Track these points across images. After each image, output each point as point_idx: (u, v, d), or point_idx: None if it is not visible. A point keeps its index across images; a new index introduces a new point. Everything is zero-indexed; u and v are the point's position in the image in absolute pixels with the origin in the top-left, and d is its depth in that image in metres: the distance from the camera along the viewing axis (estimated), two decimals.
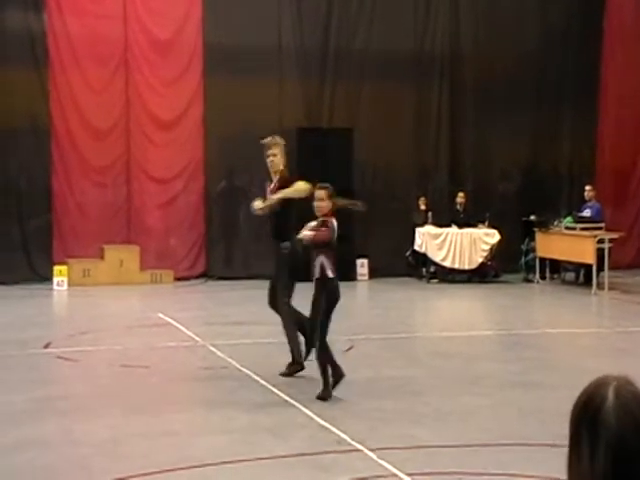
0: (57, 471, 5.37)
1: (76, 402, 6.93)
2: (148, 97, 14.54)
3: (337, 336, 7.77)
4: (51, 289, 13.39)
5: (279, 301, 7.57)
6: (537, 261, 14.43)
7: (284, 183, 7.65)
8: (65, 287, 13.50)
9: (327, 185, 6.97)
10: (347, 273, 14.45)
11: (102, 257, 14.15)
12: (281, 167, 7.80)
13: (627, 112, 16.19)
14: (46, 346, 9.08)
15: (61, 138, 14.22)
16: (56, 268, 13.63)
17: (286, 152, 7.93)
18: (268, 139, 7.88)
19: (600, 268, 13.03)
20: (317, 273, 6.79)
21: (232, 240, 14.94)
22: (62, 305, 12.95)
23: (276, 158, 7.75)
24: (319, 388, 6.92)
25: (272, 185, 7.79)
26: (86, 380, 7.72)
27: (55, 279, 13.53)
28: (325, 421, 6.23)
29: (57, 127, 14.17)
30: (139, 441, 5.87)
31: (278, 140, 7.87)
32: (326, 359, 6.82)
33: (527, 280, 14.64)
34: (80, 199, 14.33)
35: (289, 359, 7.62)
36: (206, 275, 14.79)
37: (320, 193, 6.89)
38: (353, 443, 5.70)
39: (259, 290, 13.53)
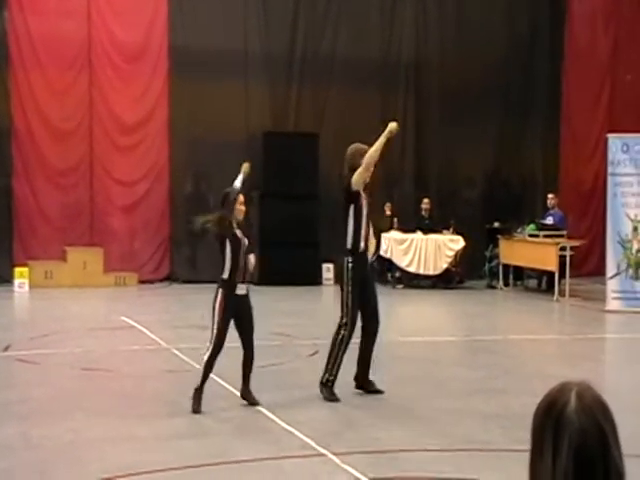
0: (15, 476, 5.27)
1: (36, 406, 6.83)
2: (112, 99, 14.41)
3: (302, 340, 7.76)
4: (12, 291, 13.19)
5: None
6: (501, 268, 14.57)
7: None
8: (26, 289, 13.30)
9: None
10: (313, 278, 14.49)
11: (64, 259, 13.97)
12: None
13: (589, 122, 16.44)
14: (6, 349, 8.94)
15: (22, 139, 14.02)
16: (17, 270, 13.43)
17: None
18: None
19: (562, 275, 13.19)
20: None
21: (197, 243, 14.84)
22: (23, 307, 12.76)
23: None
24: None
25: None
26: (46, 383, 7.60)
27: (16, 281, 13.34)
28: (289, 425, 6.22)
29: (18, 127, 13.97)
30: (100, 445, 5.79)
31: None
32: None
33: (491, 286, 14.78)
34: (42, 200, 14.14)
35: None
36: (170, 278, 14.69)
37: (242, 197, 6.85)
38: (317, 447, 5.69)
39: None
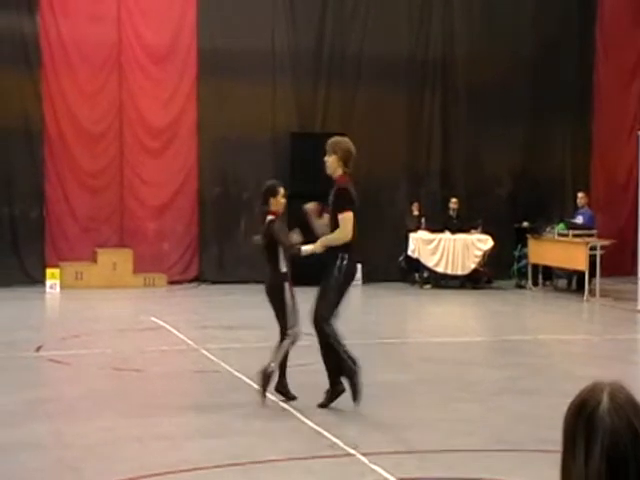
0: (48, 474, 5.35)
1: (67, 405, 6.92)
2: (141, 101, 14.54)
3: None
4: (44, 292, 13.36)
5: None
6: (529, 267, 14.47)
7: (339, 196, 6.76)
8: (58, 290, 13.47)
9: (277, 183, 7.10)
10: None
11: (95, 260, 14.12)
12: (338, 173, 6.78)
13: (621, 119, 16.26)
14: (38, 349, 9.06)
15: (53, 141, 14.20)
16: (49, 271, 13.60)
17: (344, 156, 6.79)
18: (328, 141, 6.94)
19: (592, 275, 13.07)
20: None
21: (225, 244, 14.94)
22: (54, 308, 12.92)
23: (329, 162, 6.80)
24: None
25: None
26: (77, 383, 7.70)
27: (48, 282, 13.50)
28: (318, 425, 6.24)
29: (49, 130, 14.15)
30: (130, 444, 5.86)
31: (336, 143, 6.84)
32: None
33: (519, 286, 14.68)
34: (72, 202, 14.31)
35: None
36: (199, 279, 14.78)
37: (283, 190, 6.99)
38: (345, 448, 5.71)
39: (252, 294, 13.61)
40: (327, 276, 6.77)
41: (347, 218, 6.68)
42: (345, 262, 6.73)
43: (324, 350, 6.76)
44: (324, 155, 6.95)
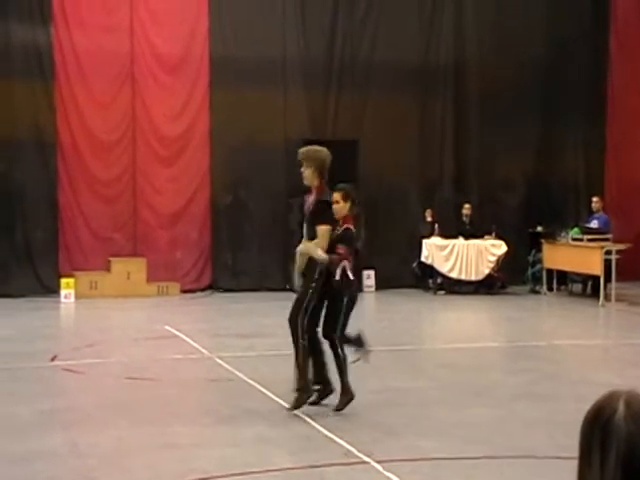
0: None
1: (82, 414, 6.93)
2: (154, 110, 14.60)
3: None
4: (58, 301, 13.41)
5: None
6: (544, 272, 14.39)
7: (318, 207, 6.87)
8: (72, 299, 13.52)
9: (344, 187, 6.90)
10: None
11: (109, 269, 14.18)
12: (315, 184, 6.90)
13: (634, 121, 16.17)
14: (53, 359, 9.09)
15: (67, 151, 14.28)
16: (63, 280, 13.66)
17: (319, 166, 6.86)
18: (300, 151, 7.08)
19: (607, 279, 12.98)
20: (338, 275, 6.77)
21: (238, 252, 14.95)
22: (69, 317, 12.97)
23: (306, 173, 6.89)
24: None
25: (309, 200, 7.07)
26: (92, 392, 7.72)
27: (62, 291, 13.56)
28: (332, 433, 6.22)
29: (63, 140, 14.23)
30: (145, 453, 5.86)
31: (311, 154, 6.96)
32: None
33: (534, 291, 14.61)
34: (86, 212, 14.38)
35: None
36: (212, 287, 14.80)
37: (335, 195, 6.84)
38: (360, 455, 5.68)
39: (265, 302, 13.63)
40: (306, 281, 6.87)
41: (326, 231, 6.75)
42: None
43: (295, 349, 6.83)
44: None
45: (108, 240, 14.41)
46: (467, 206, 14.92)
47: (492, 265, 14.32)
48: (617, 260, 13.01)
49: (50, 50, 14.10)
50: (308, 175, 6.89)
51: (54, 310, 12.98)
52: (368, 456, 5.64)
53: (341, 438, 6.07)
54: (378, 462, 5.51)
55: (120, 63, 14.42)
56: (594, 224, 14.01)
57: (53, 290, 13.73)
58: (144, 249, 14.55)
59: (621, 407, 1.51)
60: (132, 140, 14.55)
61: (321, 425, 6.44)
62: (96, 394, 7.61)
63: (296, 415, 6.74)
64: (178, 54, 14.65)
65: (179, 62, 14.68)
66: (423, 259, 14.44)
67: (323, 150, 6.99)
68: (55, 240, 14.21)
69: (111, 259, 14.20)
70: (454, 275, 14.31)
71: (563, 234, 13.97)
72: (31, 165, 14.00)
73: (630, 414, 1.50)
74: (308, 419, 6.63)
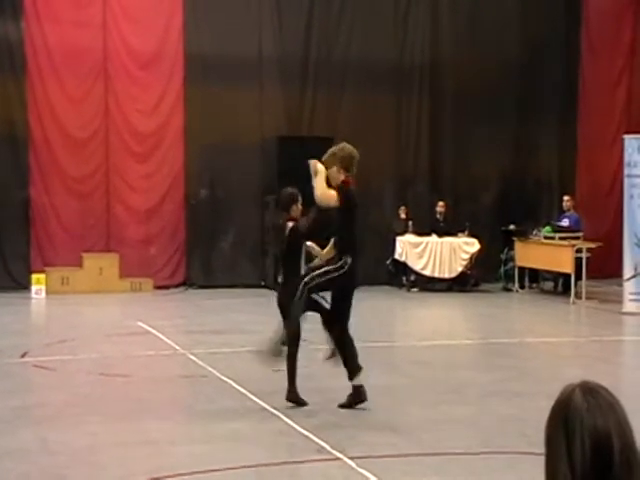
0: None
1: (53, 411, 6.87)
2: (128, 107, 14.48)
3: (317, 345, 7.76)
4: (29, 297, 13.28)
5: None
6: (516, 270, 14.51)
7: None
8: (43, 295, 13.39)
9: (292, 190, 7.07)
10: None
11: (81, 265, 14.06)
12: (340, 178, 6.79)
13: (606, 122, 16.34)
14: (23, 355, 9.00)
15: (39, 147, 14.12)
16: (34, 276, 13.52)
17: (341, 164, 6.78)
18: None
19: (578, 277, 13.12)
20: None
21: (212, 249, 14.90)
22: (40, 313, 12.84)
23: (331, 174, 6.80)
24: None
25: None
26: (63, 389, 7.65)
27: (33, 287, 13.43)
28: (305, 430, 6.22)
29: (35, 136, 14.07)
30: (117, 450, 5.83)
31: (331, 152, 6.88)
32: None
33: (506, 289, 14.72)
34: (58, 208, 14.24)
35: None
36: (186, 284, 14.74)
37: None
38: (333, 452, 5.70)
39: (239, 299, 13.60)
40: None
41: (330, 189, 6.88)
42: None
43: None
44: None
45: (80, 236, 14.27)
46: (441, 203, 15.00)
47: (465, 263, 14.41)
48: (588, 258, 13.15)
49: (21, 45, 13.92)
50: (332, 174, 6.80)
51: (25, 306, 12.85)
52: (341, 452, 5.65)
53: (314, 435, 6.08)
54: (351, 458, 5.53)
55: (93, 58, 14.28)
56: (565, 222, 14.16)
57: (24, 286, 13.60)
58: (117, 245, 14.44)
59: (577, 390, 1.63)
60: (105, 136, 14.43)
61: (294, 422, 6.44)
62: (67, 390, 7.55)
63: (269, 412, 6.73)
64: (152, 50, 14.54)
65: (153, 58, 14.57)
66: (397, 256, 14.49)
67: (344, 147, 6.95)
68: (27, 236, 14.06)
69: (83, 254, 14.08)
70: (427, 272, 14.37)
71: (535, 232, 14.09)
72: (2, 161, 13.83)
73: (585, 391, 1.63)
74: (282, 415, 6.63)
